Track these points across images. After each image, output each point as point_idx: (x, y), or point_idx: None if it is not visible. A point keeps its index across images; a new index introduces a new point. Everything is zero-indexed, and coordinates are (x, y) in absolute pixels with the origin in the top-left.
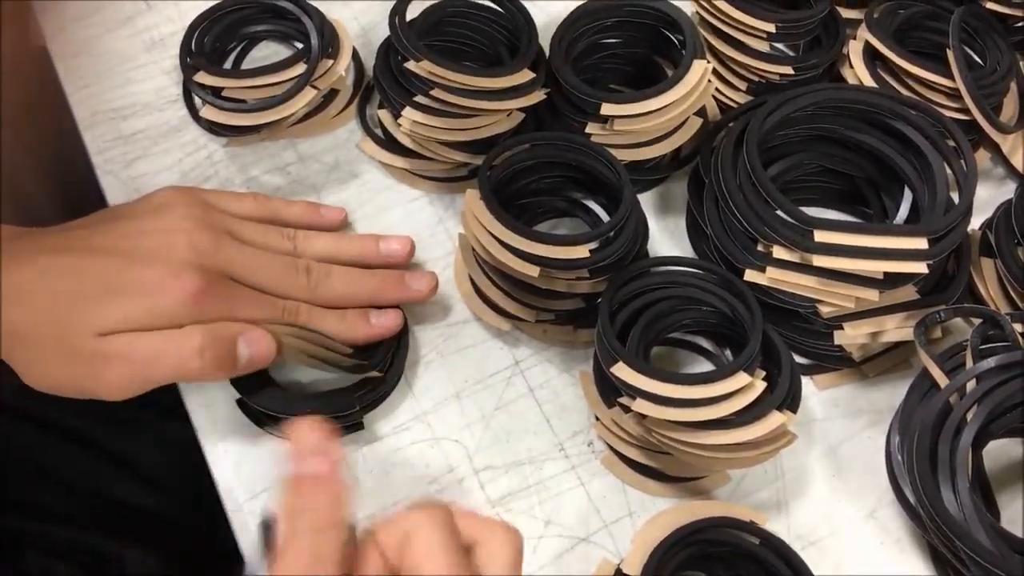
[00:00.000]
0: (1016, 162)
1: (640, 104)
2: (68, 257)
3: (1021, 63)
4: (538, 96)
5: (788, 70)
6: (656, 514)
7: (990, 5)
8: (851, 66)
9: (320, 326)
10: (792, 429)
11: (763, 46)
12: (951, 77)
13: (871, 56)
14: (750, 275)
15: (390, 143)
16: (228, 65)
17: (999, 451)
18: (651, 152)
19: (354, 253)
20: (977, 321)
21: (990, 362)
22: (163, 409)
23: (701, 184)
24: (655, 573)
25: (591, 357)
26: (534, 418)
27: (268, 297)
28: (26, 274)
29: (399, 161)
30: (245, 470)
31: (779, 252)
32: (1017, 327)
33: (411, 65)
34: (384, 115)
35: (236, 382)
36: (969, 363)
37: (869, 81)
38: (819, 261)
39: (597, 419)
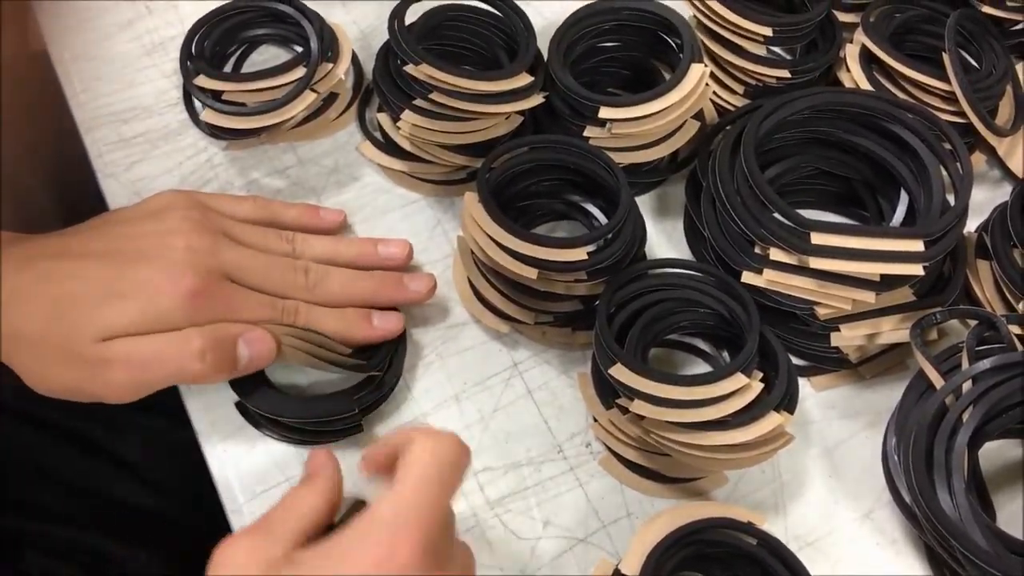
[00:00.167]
0: (1012, 165)
1: (638, 107)
2: (67, 261)
3: (1017, 67)
4: (536, 99)
5: (785, 74)
6: (654, 515)
7: (986, 9)
8: (848, 70)
9: (319, 326)
10: (789, 430)
11: (760, 50)
12: (947, 80)
13: (867, 60)
14: (747, 277)
15: (389, 146)
16: (228, 69)
17: (995, 452)
18: (649, 155)
19: (352, 255)
20: (973, 323)
21: (986, 363)
22: (163, 411)
23: (699, 187)
24: (653, 573)
25: (589, 359)
26: (533, 419)
27: (267, 297)
28: (26, 279)
29: (398, 164)
30: (244, 471)
31: (776, 254)
32: (1013, 329)
33: (410, 69)
34: (383, 118)
35: (235, 384)
36: (965, 364)
37: (865, 84)
38: (816, 263)
39: (595, 420)
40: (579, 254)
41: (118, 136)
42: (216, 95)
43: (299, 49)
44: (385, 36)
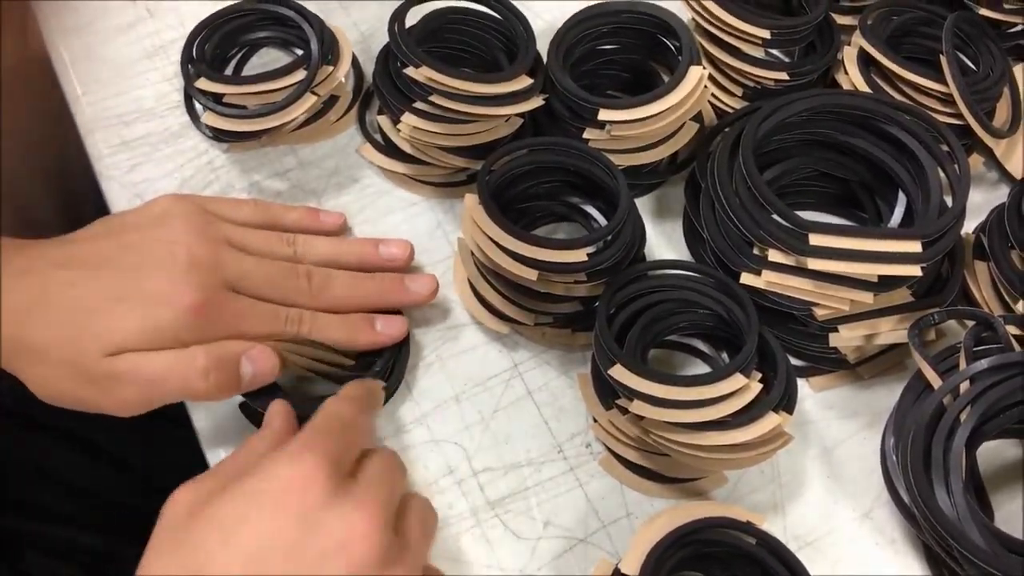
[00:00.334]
0: (1009, 166)
1: (637, 110)
2: (70, 271)
3: (1014, 68)
4: (536, 102)
5: (783, 76)
6: (654, 515)
7: (983, 11)
8: (846, 72)
9: (323, 334)
10: (788, 430)
11: (758, 52)
12: (945, 83)
13: (865, 62)
14: (746, 278)
15: (389, 148)
16: (229, 71)
17: (993, 452)
18: (648, 157)
19: (354, 257)
20: (971, 323)
21: (983, 363)
22: (164, 411)
23: (698, 188)
24: (653, 573)
25: (589, 360)
26: (533, 420)
27: (270, 307)
28: (29, 289)
29: (398, 166)
30: None
31: (775, 255)
32: (1010, 329)
33: (410, 71)
34: (383, 121)
35: None
36: (963, 365)
37: (863, 86)
38: (814, 264)
39: (595, 421)
40: (579, 255)
41: (119, 139)
42: (217, 98)
43: (299, 52)
44: (385, 39)
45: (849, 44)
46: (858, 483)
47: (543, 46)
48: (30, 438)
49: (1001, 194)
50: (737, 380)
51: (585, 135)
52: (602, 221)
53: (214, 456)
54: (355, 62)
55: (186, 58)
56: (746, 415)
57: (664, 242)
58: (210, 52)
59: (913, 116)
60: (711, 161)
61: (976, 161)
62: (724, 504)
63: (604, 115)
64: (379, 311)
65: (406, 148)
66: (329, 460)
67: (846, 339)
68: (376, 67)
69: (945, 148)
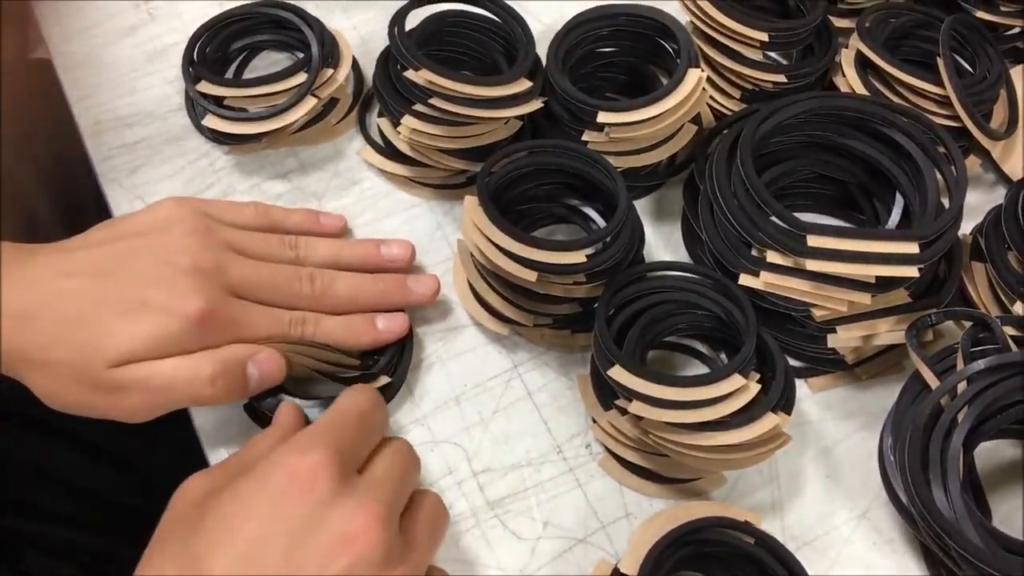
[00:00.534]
0: (1006, 168)
1: (636, 112)
2: (74, 280)
3: (1011, 71)
4: (535, 104)
5: (781, 78)
6: (653, 515)
7: (980, 14)
8: (843, 74)
9: (327, 336)
10: (786, 431)
11: (756, 55)
12: (942, 85)
13: (863, 64)
14: (744, 279)
15: (390, 151)
16: (230, 74)
17: (990, 452)
18: (647, 159)
19: (356, 258)
20: (968, 324)
21: (981, 364)
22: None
23: (696, 190)
24: (652, 572)
25: (588, 361)
26: (532, 421)
27: (274, 312)
28: (33, 298)
29: (398, 168)
30: None
31: (773, 257)
32: (1007, 330)
33: (410, 74)
34: (384, 123)
35: None
36: (960, 365)
37: (861, 89)
38: (812, 265)
39: (594, 422)
40: (578, 257)
41: (121, 141)
42: (218, 100)
43: (300, 55)
44: (385, 42)
45: (847, 47)
46: (856, 483)
47: (542, 49)
48: (30, 438)
49: (998, 195)
50: (736, 381)
51: (584, 137)
52: (601, 223)
53: (215, 456)
54: (355, 65)
55: (187, 61)
56: (745, 415)
57: (663, 244)
58: (211, 55)
59: (910, 118)
60: (709, 163)
61: (973, 163)
62: (723, 504)
63: (603, 117)
64: (382, 311)
65: (406, 150)
66: (336, 454)
67: (844, 340)
68: (376, 70)
69: (942, 150)
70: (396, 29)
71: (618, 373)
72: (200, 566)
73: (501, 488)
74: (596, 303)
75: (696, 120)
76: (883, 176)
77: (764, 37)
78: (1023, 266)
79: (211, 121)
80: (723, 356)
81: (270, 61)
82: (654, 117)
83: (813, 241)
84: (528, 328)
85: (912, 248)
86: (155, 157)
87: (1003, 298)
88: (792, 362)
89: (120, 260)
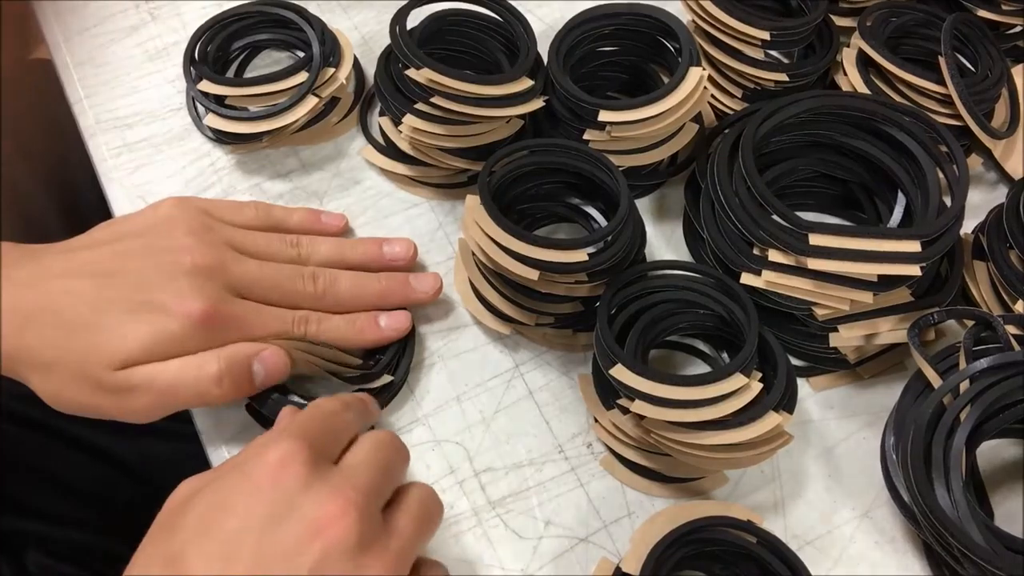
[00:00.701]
0: (1008, 167)
1: (637, 111)
2: (76, 282)
3: (1013, 69)
4: (537, 103)
5: (783, 77)
6: (654, 514)
7: (982, 12)
8: (845, 73)
9: (330, 335)
10: (788, 430)
11: (758, 53)
12: (943, 84)
13: (864, 63)
14: (746, 278)
15: (391, 150)
16: (231, 74)
17: (992, 451)
18: (648, 158)
19: (358, 257)
20: (970, 323)
21: (983, 363)
22: None
23: (698, 189)
24: (653, 571)
25: (590, 360)
26: (534, 420)
27: (277, 311)
28: (34, 300)
29: (400, 167)
30: None
31: (775, 256)
32: (1009, 329)
33: (411, 73)
34: (385, 122)
35: None
36: (962, 364)
37: (862, 88)
38: (814, 264)
39: (596, 421)
40: (580, 256)
41: (121, 141)
42: (219, 100)
43: (301, 54)
44: (386, 41)
45: (848, 45)
46: (858, 482)
47: (544, 48)
48: (30, 438)
49: (1000, 194)
50: (737, 380)
51: (585, 136)
52: (603, 222)
53: (216, 455)
54: (356, 64)
55: (188, 60)
56: (746, 415)
57: (664, 242)
58: (212, 54)
59: (912, 117)
60: (711, 162)
61: (975, 162)
62: (725, 503)
63: (604, 116)
64: (384, 310)
65: (407, 150)
66: (308, 445)
67: (846, 339)
68: (377, 69)
69: (944, 149)
70: (397, 28)
71: (620, 372)
72: (180, 564)
73: (503, 487)
74: (598, 302)
75: (697, 119)
76: (885, 175)
77: (766, 36)
78: None
79: (212, 120)
80: (725, 355)
81: (271, 60)
82: (655, 116)
83: (815, 240)
84: (530, 327)
85: (914, 247)
86: (156, 157)
87: (1005, 297)
88: (794, 361)
89: (121, 261)
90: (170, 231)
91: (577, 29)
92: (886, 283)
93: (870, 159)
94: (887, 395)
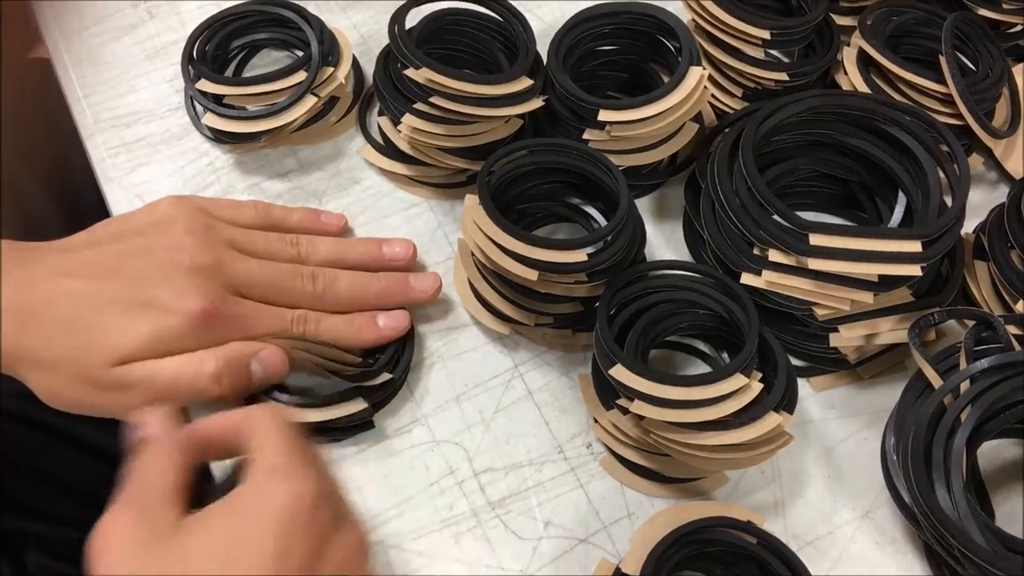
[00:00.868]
0: (1008, 166)
1: (637, 110)
2: (75, 280)
3: (1013, 69)
4: (536, 103)
5: (783, 76)
6: (654, 514)
7: (982, 11)
8: (845, 72)
9: (330, 335)
10: (788, 430)
11: (758, 53)
12: (944, 83)
13: (865, 62)
14: (746, 278)
15: (390, 150)
16: (229, 73)
17: (993, 451)
18: (648, 157)
19: (358, 256)
20: (971, 323)
21: (984, 363)
22: None
23: (698, 189)
24: (653, 572)
25: (590, 360)
26: (533, 420)
27: (276, 310)
28: (33, 298)
29: (399, 167)
30: None
31: (775, 256)
32: (1010, 329)
33: (410, 72)
34: (384, 122)
35: None
36: (963, 364)
37: (863, 87)
38: (815, 264)
39: (596, 421)
40: (579, 256)
41: (120, 140)
42: (218, 99)
43: (300, 53)
44: (385, 40)
45: (848, 45)
46: (859, 482)
47: (543, 47)
48: (30, 438)
49: (1000, 194)
50: (738, 380)
51: (585, 136)
52: (602, 222)
53: None
54: (355, 63)
55: (187, 59)
56: (747, 415)
57: (664, 242)
58: (211, 53)
59: (913, 116)
60: (711, 162)
61: (976, 161)
62: (725, 504)
63: (604, 116)
64: (383, 310)
65: (406, 149)
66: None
67: (846, 339)
68: (376, 68)
69: (945, 148)
70: (396, 27)
71: (619, 372)
72: None
73: (502, 488)
74: (597, 302)
75: (698, 118)
76: (885, 174)
77: (766, 35)
78: None
79: (210, 120)
80: (725, 355)
81: (270, 59)
82: (655, 115)
83: (815, 240)
84: (529, 327)
85: (915, 247)
86: (154, 156)
87: (1006, 297)
88: (794, 361)
89: (120, 259)
90: (169, 230)
91: (577, 28)
92: (887, 283)
93: (871, 158)
94: (887, 395)
